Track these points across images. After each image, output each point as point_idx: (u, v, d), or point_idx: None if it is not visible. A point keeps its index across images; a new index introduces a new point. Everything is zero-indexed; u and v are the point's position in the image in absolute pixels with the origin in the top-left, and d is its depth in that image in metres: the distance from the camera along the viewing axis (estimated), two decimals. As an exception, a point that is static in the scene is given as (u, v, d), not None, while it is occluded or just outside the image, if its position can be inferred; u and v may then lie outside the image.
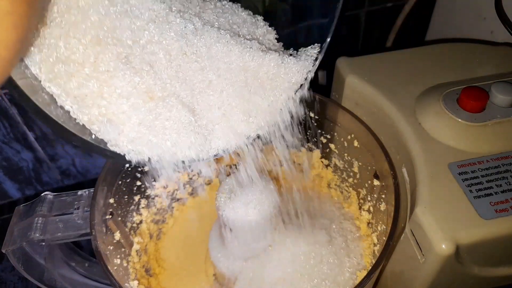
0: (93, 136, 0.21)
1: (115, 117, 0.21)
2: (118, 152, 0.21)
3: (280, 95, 0.24)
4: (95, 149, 0.21)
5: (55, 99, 0.20)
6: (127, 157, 0.21)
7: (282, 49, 0.26)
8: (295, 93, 0.24)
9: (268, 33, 0.26)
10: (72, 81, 0.20)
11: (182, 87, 0.21)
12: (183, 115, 0.21)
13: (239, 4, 0.26)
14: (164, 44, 0.21)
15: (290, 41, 0.26)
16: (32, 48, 0.19)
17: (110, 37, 0.20)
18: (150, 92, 0.21)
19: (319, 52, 0.24)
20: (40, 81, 0.20)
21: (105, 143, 0.21)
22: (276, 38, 0.26)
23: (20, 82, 0.18)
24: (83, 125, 0.21)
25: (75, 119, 0.21)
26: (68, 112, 0.20)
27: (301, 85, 0.24)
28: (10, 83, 0.18)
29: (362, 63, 0.38)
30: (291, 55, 0.24)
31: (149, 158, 0.22)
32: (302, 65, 0.23)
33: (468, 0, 0.46)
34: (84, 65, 0.20)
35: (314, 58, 0.24)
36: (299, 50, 0.25)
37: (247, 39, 0.23)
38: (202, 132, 0.22)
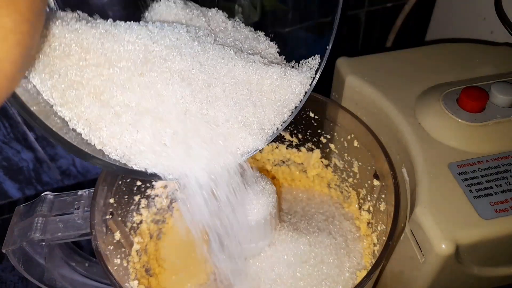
0: (110, 156, 0.21)
1: (128, 138, 0.21)
2: (139, 170, 0.21)
3: (284, 106, 0.24)
4: (119, 170, 0.21)
5: (67, 122, 0.20)
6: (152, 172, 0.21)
7: (284, 62, 0.26)
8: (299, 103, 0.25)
9: (269, 47, 0.26)
10: (82, 104, 0.20)
11: (192, 103, 0.22)
12: (200, 128, 0.22)
13: (241, 21, 0.27)
14: (173, 64, 0.21)
15: (292, 54, 0.27)
16: (43, 75, 0.19)
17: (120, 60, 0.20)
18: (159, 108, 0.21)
19: (320, 62, 0.25)
20: (52, 106, 0.20)
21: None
22: (277, 52, 0.27)
23: (34, 108, 0.19)
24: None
25: (87, 140, 0.21)
26: (80, 134, 0.21)
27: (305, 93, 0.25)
28: (24, 109, 0.18)
29: (362, 63, 0.38)
30: (293, 67, 0.25)
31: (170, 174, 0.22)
32: (304, 76, 0.24)
33: (468, 0, 0.46)
34: (94, 90, 0.20)
35: (315, 69, 0.25)
36: (301, 62, 0.25)
37: (249, 54, 0.24)
38: (212, 146, 0.22)
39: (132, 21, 0.22)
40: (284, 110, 0.24)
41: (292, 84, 0.24)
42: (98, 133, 0.21)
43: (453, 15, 0.50)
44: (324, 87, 0.42)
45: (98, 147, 0.21)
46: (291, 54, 0.27)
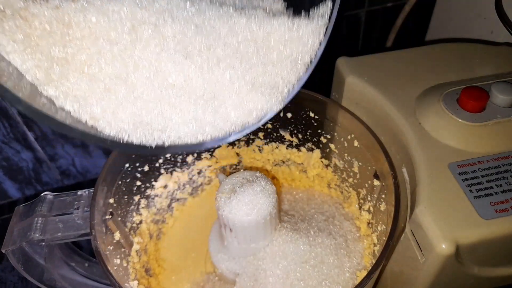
0: (104, 132, 0.20)
1: (123, 112, 0.19)
2: (142, 144, 0.20)
3: (297, 61, 0.22)
4: (121, 147, 0.20)
5: (54, 102, 0.19)
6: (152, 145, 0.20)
7: (292, 15, 0.24)
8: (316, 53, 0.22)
9: (275, 3, 0.24)
10: (69, 81, 0.19)
11: (190, 68, 0.20)
12: (204, 94, 0.20)
13: None
14: (165, 29, 0.20)
15: (301, 5, 0.24)
16: (25, 56, 0.18)
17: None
18: (158, 74, 0.20)
19: (332, 7, 0.22)
20: (37, 87, 0.19)
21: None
22: (285, 6, 0.24)
23: (19, 94, 0.18)
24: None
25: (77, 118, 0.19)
26: (69, 112, 0.19)
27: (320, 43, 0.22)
28: (9, 95, 0.17)
29: (362, 63, 0.38)
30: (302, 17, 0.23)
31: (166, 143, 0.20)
32: (316, 25, 0.22)
33: (468, 0, 0.46)
34: (80, 65, 0.19)
35: (328, 15, 0.22)
36: (310, 11, 0.23)
37: (251, 9, 0.22)
38: (219, 111, 0.21)
39: None
40: (298, 65, 0.22)
41: (303, 35, 0.22)
42: (89, 109, 0.19)
43: (453, 15, 0.50)
44: (324, 87, 0.42)
45: (90, 123, 0.19)
46: (300, 4, 0.24)
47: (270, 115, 0.22)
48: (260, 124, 0.22)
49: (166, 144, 0.20)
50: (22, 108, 0.17)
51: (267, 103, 0.21)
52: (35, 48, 0.18)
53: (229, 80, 0.21)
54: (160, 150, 0.20)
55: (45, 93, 0.19)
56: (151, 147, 0.20)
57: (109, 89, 0.19)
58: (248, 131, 0.22)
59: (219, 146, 0.22)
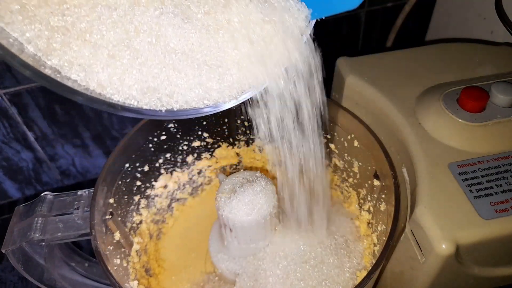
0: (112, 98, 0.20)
1: (129, 78, 0.19)
2: (150, 108, 0.20)
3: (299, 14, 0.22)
4: (132, 112, 0.20)
5: (59, 72, 0.19)
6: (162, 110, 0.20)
7: None
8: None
9: None
10: (71, 49, 0.19)
11: (191, 32, 0.20)
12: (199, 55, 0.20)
13: None
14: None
15: None
16: (24, 27, 0.18)
17: None
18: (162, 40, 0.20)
19: None
20: (40, 57, 0.19)
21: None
22: None
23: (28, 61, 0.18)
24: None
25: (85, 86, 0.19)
26: (76, 81, 0.19)
27: None
28: (18, 60, 0.17)
29: (362, 63, 0.38)
30: None
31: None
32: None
33: (468, 0, 0.46)
34: (81, 32, 0.19)
35: None
36: None
37: None
38: (223, 76, 0.21)
39: None
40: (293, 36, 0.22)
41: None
42: (95, 76, 0.19)
43: (453, 15, 0.50)
44: (325, 87, 0.42)
45: (98, 90, 0.19)
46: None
47: (271, 79, 0.22)
48: (263, 86, 0.22)
49: (175, 108, 0.21)
50: (30, 74, 0.17)
51: (267, 69, 0.22)
52: (33, 18, 0.18)
53: (230, 46, 0.21)
54: (170, 114, 0.21)
55: (49, 63, 0.19)
56: (161, 111, 0.20)
57: (113, 56, 0.19)
58: (251, 93, 0.22)
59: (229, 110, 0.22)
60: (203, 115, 0.22)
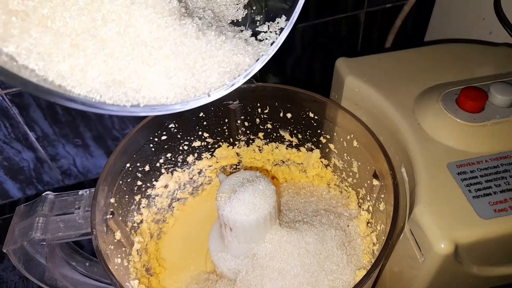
0: (73, 91, 0.18)
1: (93, 70, 0.18)
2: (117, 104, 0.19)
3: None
4: (93, 107, 0.19)
5: (16, 60, 0.17)
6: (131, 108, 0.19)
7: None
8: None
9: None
10: (31, 36, 0.17)
11: (163, 25, 0.19)
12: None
13: None
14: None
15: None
16: None
17: None
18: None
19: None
20: None
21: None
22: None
23: None
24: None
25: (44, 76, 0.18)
26: (34, 71, 0.18)
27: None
28: None
29: (362, 63, 0.38)
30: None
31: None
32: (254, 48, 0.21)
33: (467, 1, 0.47)
34: (42, 18, 0.18)
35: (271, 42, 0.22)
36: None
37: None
38: (194, 72, 0.20)
39: None
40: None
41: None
42: (56, 66, 0.18)
43: (452, 15, 0.50)
44: (324, 88, 0.43)
45: (57, 82, 0.18)
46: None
47: (246, 73, 0.21)
48: (237, 82, 0.21)
49: (142, 104, 0.19)
50: None
51: (242, 63, 0.21)
52: None
53: (205, 45, 0.20)
54: (134, 110, 0.19)
55: (5, 50, 0.17)
56: (124, 106, 0.19)
57: (77, 45, 0.18)
58: (225, 90, 0.21)
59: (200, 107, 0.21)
60: (171, 112, 0.20)
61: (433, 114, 0.32)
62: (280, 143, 0.40)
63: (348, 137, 0.35)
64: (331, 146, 0.37)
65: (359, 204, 0.37)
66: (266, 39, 0.22)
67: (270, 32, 0.22)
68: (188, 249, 0.38)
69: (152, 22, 0.19)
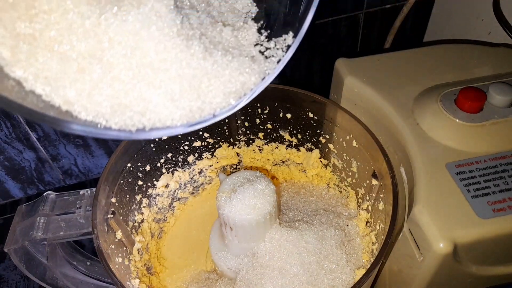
0: (79, 117, 0.18)
1: (99, 95, 0.18)
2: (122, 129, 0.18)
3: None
4: (99, 134, 0.18)
5: (23, 84, 0.17)
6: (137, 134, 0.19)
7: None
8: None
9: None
10: (38, 61, 0.17)
11: (171, 47, 0.19)
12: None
13: None
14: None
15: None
16: None
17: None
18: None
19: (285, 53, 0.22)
20: (3, 68, 0.17)
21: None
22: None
23: None
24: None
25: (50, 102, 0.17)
26: (41, 96, 0.17)
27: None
28: None
29: (361, 64, 0.38)
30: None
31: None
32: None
33: (466, 1, 0.47)
34: (49, 42, 0.17)
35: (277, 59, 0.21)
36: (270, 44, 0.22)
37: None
38: (201, 94, 0.20)
39: None
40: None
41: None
42: (62, 91, 0.17)
43: (451, 16, 0.50)
44: (323, 88, 0.43)
45: (64, 107, 0.18)
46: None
47: (252, 92, 0.21)
48: (242, 102, 0.21)
49: (147, 127, 0.19)
50: None
51: (247, 82, 0.20)
52: None
53: (211, 66, 0.19)
54: (140, 135, 0.19)
55: (12, 74, 0.17)
56: (130, 131, 0.19)
57: (83, 69, 0.18)
58: (228, 112, 0.21)
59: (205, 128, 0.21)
60: (176, 134, 0.20)
61: (432, 114, 0.33)
62: (280, 143, 0.40)
63: (348, 137, 0.35)
64: (331, 146, 0.37)
65: (359, 204, 0.37)
66: (273, 56, 0.22)
67: (277, 49, 0.22)
68: (189, 248, 0.38)
69: (159, 43, 0.18)
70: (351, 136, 0.34)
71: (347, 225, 0.35)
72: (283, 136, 0.39)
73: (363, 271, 0.31)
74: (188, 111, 0.19)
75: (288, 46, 0.22)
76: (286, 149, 0.40)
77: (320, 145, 0.38)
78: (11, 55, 0.17)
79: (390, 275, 0.34)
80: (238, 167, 0.43)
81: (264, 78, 0.21)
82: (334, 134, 0.36)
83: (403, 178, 0.32)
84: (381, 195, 0.32)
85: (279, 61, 0.22)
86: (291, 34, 0.22)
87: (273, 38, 0.22)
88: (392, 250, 0.32)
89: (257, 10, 0.23)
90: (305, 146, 0.39)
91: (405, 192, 0.31)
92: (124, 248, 0.33)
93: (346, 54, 0.40)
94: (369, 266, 0.26)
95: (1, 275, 0.49)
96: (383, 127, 0.34)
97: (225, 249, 0.33)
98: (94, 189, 0.30)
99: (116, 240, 0.31)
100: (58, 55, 0.17)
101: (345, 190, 0.39)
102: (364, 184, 0.35)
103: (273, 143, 0.40)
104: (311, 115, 0.36)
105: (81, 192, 0.32)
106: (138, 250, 0.34)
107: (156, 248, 0.38)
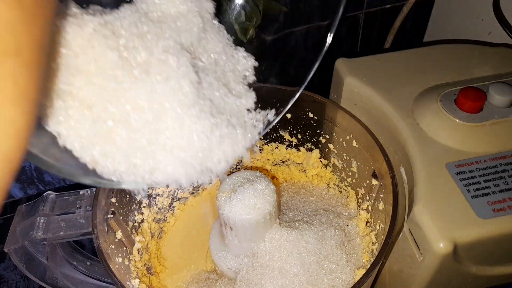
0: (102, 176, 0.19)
1: (121, 159, 0.19)
2: (136, 185, 0.20)
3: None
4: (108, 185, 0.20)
5: (55, 140, 0.18)
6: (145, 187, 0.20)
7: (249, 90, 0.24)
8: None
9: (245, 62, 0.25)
10: (72, 118, 0.18)
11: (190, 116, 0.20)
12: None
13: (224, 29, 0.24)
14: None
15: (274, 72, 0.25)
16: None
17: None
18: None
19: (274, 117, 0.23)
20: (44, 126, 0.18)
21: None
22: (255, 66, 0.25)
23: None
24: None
25: (77, 158, 0.18)
26: (71, 151, 0.18)
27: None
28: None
29: (361, 64, 0.38)
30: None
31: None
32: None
33: (466, 2, 0.47)
34: (84, 101, 0.18)
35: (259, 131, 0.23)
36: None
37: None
38: (208, 157, 0.21)
39: (126, 14, 0.20)
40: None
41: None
42: (91, 151, 0.18)
43: (451, 16, 0.50)
44: (323, 88, 0.43)
45: (90, 166, 0.18)
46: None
47: (239, 157, 0.22)
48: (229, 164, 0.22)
49: (153, 184, 0.20)
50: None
51: (240, 151, 0.22)
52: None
53: (216, 139, 0.21)
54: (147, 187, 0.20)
55: (49, 129, 0.18)
56: (138, 185, 0.20)
57: (111, 131, 0.19)
58: (233, 161, 0.22)
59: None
60: (179, 186, 0.22)
61: (432, 114, 0.33)
62: (280, 143, 0.40)
63: (348, 137, 0.35)
64: (331, 146, 0.37)
65: (358, 204, 0.37)
66: (255, 126, 0.23)
67: (260, 121, 0.24)
68: (189, 248, 0.38)
69: (178, 114, 0.19)
70: (351, 136, 0.34)
71: (347, 225, 0.35)
72: (283, 136, 0.39)
73: (363, 271, 0.31)
74: (192, 172, 0.21)
75: (269, 122, 0.24)
76: (286, 149, 0.40)
77: (320, 145, 0.38)
78: (50, 111, 0.18)
79: (390, 275, 0.34)
80: (238, 167, 0.43)
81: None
82: (334, 134, 0.36)
83: (403, 178, 0.32)
84: (381, 195, 0.32)
85: (259, 133, 0.23)
86: (273, 111, 0.24)
87: (258, 109, 0.24)
88: (392, 250, 0.32)
89: (254, 77, 0.25)
90: (305, 146, 0.39)
91: (405, 192, 0.31)
92: (124, 248, 0.33)
93: (346, 54, 0.40)
94: (369, 266, 0.26)
95: (1, 275, 0.49)
96: (383, 127, 0.34)
97: (225, 249, 0.33)
98: (94, 189, 0.30)
99: (116, 240, 0.31)
100: (91, 115, 0.18)
101: (345, 190, 0.39)
102: (364, 184, 0.35)
103: (273, 143, 0.40)
104: (311, 115, 0.36)
105: (81, 192, 0.32)
106: (138, 250, 0.34)
107: (156, 248, 0.38)
